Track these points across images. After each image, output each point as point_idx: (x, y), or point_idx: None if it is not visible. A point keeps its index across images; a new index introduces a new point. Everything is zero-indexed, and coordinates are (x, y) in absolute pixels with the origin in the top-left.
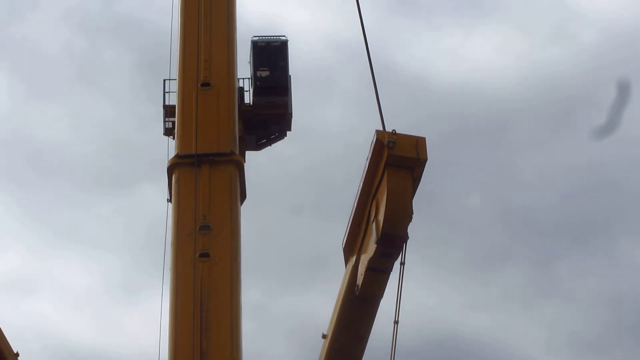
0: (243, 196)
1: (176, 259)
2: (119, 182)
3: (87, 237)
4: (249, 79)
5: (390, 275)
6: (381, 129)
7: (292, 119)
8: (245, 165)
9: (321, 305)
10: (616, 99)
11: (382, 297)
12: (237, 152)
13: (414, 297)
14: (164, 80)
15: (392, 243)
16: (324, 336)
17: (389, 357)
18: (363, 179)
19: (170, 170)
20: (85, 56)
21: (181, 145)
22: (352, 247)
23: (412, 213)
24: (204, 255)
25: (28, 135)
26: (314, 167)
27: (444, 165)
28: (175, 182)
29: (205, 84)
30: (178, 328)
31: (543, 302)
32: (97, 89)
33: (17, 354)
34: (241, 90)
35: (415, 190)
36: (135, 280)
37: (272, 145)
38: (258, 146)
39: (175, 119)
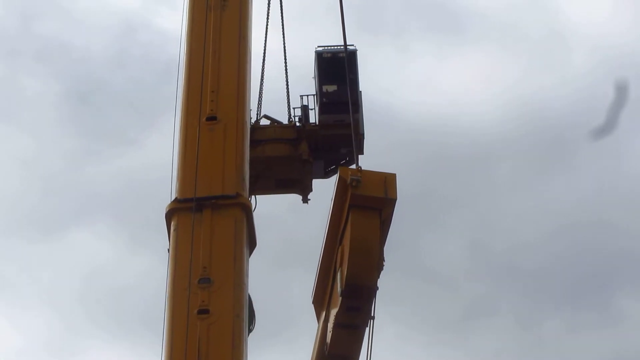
0: (252, 243)
1: (172, 316)
2: (46, 226)
3: (9, 290)
4: (313, 95)
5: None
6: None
7: (365, 141)
8: (312, 194)
9: None
10: (614, 100)
11: (356, 357)
12: (246, 194)
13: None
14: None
15: (359, 295)
16: None
17: None
18: (328, 223)
19: (169, 216)
20: (1, 84)
21: (181, 188)
22: (321, 300)
23: (383, 261)
24: (203, 311)
25: None
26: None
27: (418, 207)
28: (174, 229)
29: (211, 118)
30: None
31: None
32: (16, 123)
33: None
34: (305, 108)
35: (386, 234)
36: (65, 343)
37: None
38: (326, 173)
39: (176, 158)
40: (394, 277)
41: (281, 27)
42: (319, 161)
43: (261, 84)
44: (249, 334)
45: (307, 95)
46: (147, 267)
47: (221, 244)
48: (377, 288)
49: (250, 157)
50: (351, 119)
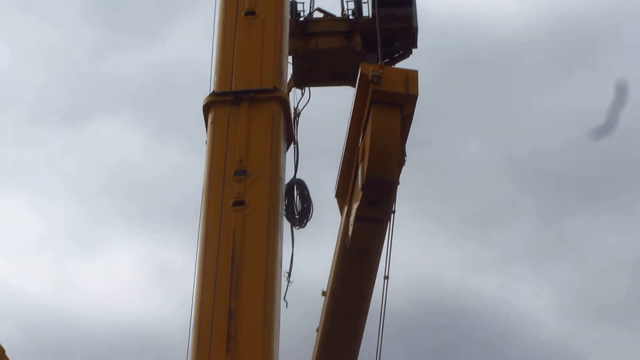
0: (290, 138)
1: (207, 207)
2: (71, 115)
3: (34, 180)
4: None
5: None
6: None
7: (419, 35)
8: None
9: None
10: (614, 100)
11: (378, 251)
12: (285, 88)
13: (409, 255)
14: None
15: (379, 189)
16: (323, 293)
17: (379, 315)
18: (350, 118)
19: (206, 109)
20: None
21: (219, 81)
22: (344, 194)
23: (405, 156)
24: (238, 203)
25: None
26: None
27: (439, 105)
28: (211, 122)
29: (250, 13)
30: (205, 284)
31: (552, 263)
32: (40, 13)
33: (3, 350)
34: (359, 2)
35: (407, 131)
36: (90, 231)
37: (396, 65)
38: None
39: (214, 52)
40: (418, 174)
41: None
42: (373, 55)
43: None
44: (305, 225)
45: None
46: (173, 160)
47: (258, 137)
48: (398, 183)
49: (303, 49)
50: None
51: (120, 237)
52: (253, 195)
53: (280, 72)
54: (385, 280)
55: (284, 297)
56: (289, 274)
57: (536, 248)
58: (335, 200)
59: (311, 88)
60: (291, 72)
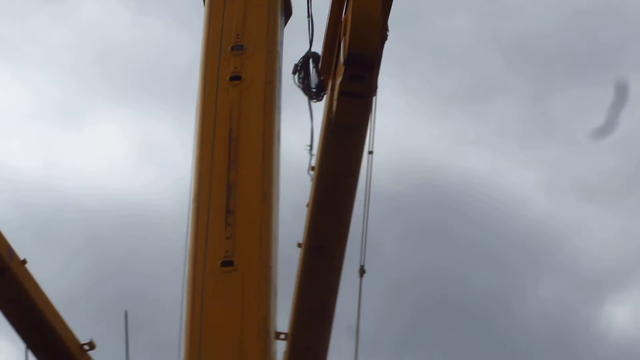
0: (288, 12)
1: (204, 82)
2: None
3: (16, 52)
4: None
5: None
6: None
7: None
8: None
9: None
10: (614, 100)
11: (364, 126)
12: None
13: (395, 132)
14: None
15: (361, 63)
16: (312, 169)
17: (363, 192)
18: None
19: None
20: None
21: None
22: (328, 70)
23: (387, 31)
24: (235, 78)
25: None
26: None
27: None
28: None
29: None
30: (203, 158)
31: (542, 141)
32: None
33: (24, 261)
34: None
35: (390, 5)
36: (76, 102)
37: None
38: None
39: None
40: (403, 51)
41: None
42: None
43: None
44: (322, 97)
45: None
46: (161, 35)
47: (255, 11)
48: (380, 57)
49: None
50: None
51: (109, 110)
52: (249, 70)
53: None
54: (370, 155)
55: (308, 171)
56: (310, 146)
57: (524, 125)
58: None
59: None
60: None
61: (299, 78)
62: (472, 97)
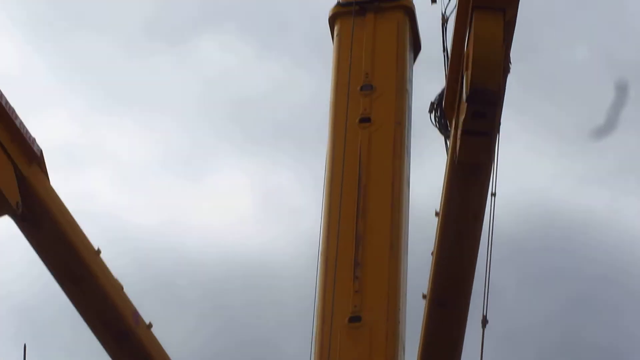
0: (417, 48)
1: (333, 124)
2: (171, 33)
3: (139, 98)
4: None
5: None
6: None
7: None
8: None
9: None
10: (614, 100)
11: (488, 165)
12: None
13: (517, 168)
14: None
15: (484, 100)
16: (436, 214)
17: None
18: (454, 26)
19: (332, 21)
20: None
21: None
22: (452, 107)
23: (510, 63)
24: (365, 120)
25: None
26: None
27: (545, 9)
28: (336, 35)
29: None
30: (331, 208)
31: None
32: None
33: (98, 251)
34: None
35: (511, 36)
36: (200, 151)
37: None
38: None
39: None
40: (523, 83)
41: None
42: None
43: None
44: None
45: None
46: (278, 75)
47: (383, 49)
48: (504, 92)
49: None
50: None
51: (230, 160)
52: (379, 111)
53: None
54: (493, 197)
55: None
56: None
57: None
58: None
59: None
60: None
61: (435, 117)
62: (592, 132)
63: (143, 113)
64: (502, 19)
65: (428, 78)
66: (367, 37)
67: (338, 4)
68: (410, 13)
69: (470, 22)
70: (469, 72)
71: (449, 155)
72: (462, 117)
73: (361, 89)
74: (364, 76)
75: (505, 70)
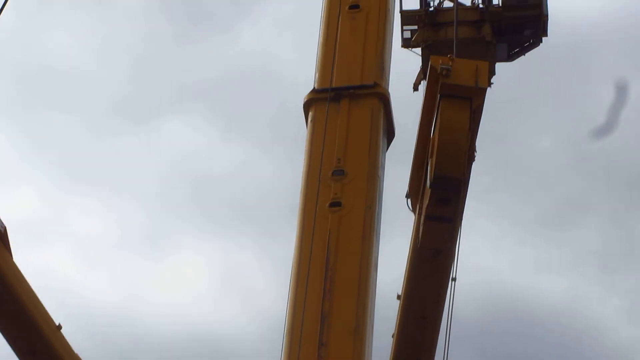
0: (391, 134)
1: (304, 208)
2: (142, 112)
3: (104, 178)
4: None
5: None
6: None
7: (549, 22)
8: (495, 78)
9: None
10: (614, 100)
11: (451, 251)
12: (385, 83)
13: (478, 255)
14: None
15: (448, 187)
16: (398, 297)
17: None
18: (421, 114)
19: (307, 107)
20: None
21: (320, 77)
22: (416, 193)
23: (475, 151)
24: (335, 204)
25: (33, 55)
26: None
27: (510, 98)
28: (310, 120)
29: (354, 6)
30: (298, 288)
31: (623, 264)
32: (108, 4)
33: (59, 326)
34: None
35: (477, 125)
36: (162, 231)
37: (526, 54)
38: (510, 57)
39: (318, 48)
40: (489, 171)
41: None
42: (502, 44)
43: None
44: None
45: None
46: (243, 157)
47: (357, 135)
48: (468, 180)
49: (432, 40)
50: None
51: (191, 240)
52: (350, 196)
53: (382, 67)
54: (453, 282)
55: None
56: None
57: (607, 248)
58: (405, 202)
59: None
60: (421, 64)
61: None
62: (554, 219)
63: (107, 191)
64: (468, 107)
65: (404, 163)
66: (340, 123)
67: (314, 90)
68: (384, 100)
69: (437, 109)
70: (434, 159)
71: (412, 239)
72: (426, 203)
73: (333, 173)
74: (336, 161)
75: (470, 158)
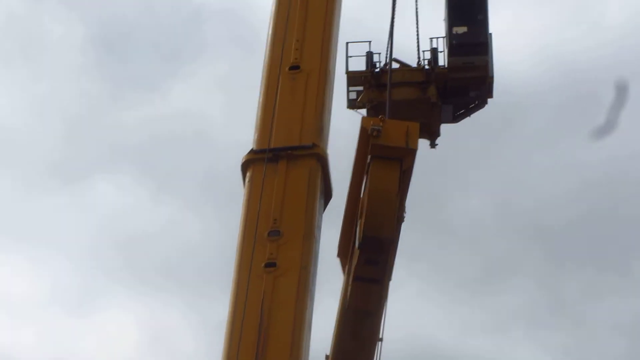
0: (328, 195)
1: (239, 267)
2: (70, 173)
3: (33, 236)
4: (443, 37)
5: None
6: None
7: (494, 84)
8: (440, 140)
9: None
10: (614, 100)
11: (379, 311)
12: (324, 144)
13: (406, 315)
14: (347, 43)
15: (376, 247)
16: (327, 357)
17: None
18: (351, 174)
19: (245, 167)
20: (26, 27)
21: (259, 138)
22: (345, 253)
23: (404, 212)
24: (270, 265)
25: None
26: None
27: (440, 160)
28: (248, 181)
29: (294, 67)
30: (231, 346)
31: (549, 325)
32: (38, 65)
33: None
34: (435, 51)
35: (407, 185)
36: (91, 290)
37: (471, 115)
38: (455, 118)
39: (257, 109)
40: (416, 233)
41: None
42: (448, 106)
43: (391, 28)
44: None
45: (437, 38)
46: (173, 216)
47: (293, 196)
48: (397, 240)
49: (378, 100)
50: None
51: (120, 299)
52: (285, 257)
53: (321, 128)
54: (380, 343)
55: None
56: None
57: (534, 307)
58: (337, 261)
59: None
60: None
61: None
62: (483, 279)
63: (36, 250)
64: (398, 168)
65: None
66: (278, 183)
67: (252, 151)
68: (322, 161)
69: (367, 170)
70: (363, 220)
71: (340, 300)
72: (354, 264)
73: (269, 234)
74: (273, 221)
75: (400, 219)
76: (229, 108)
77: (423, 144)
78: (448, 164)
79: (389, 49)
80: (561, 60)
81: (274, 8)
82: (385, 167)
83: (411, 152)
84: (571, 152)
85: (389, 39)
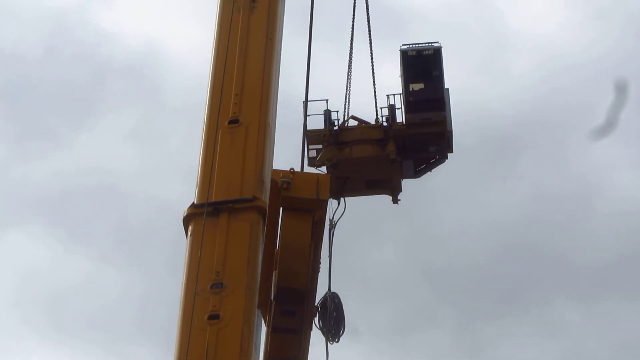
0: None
1: (182, 320)
2: None
3: None
4: (400, 94)
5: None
6: None
7: (453, 138)
8: (402, 195)
9: None
10: (614, 100)
11: None
12: (265, 196)
13: None
14: (304, 102)
15: (291, 298)
16: None
17: None
18: (266, 227)
19: (186, 221)
20: None
21: (200, 192)
22: (265, 305)
23: (319, 263)
24: (214, 317)
25: None
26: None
27: (353, 211)
28: (190, 234)
29: (233, 121)
30: None
31: None
32: None
33: None
34: (392, 108)
35: (321, 236)
36: (8, 347)
37: (432, 170)
38: (416, 173)
39: (198, 163)
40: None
41: (367, 27)
42: (409, 161)
43: (348, 85)
44: (339, 339)
45: (394, 95)
46: (86, 270)
47: (235, 248)
48: (314, 290)
49: (337, 159)
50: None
51: (40, 356)
52: (228, 309)
53: (262, 180)
54: None
55: None
56: None
57: (453, 356)
58: None
59: (346, 198)
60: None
61: (318, 320)
62: (400, 330)
63: None
64: (310, 220)
65: None
66: (219, 236)
67: (193, 205)
68: (264, 213)
69: (280, 222)
70: (277, 272)
71: (263, 352)
72: (272, 315)
73: (212, 286)
74: (215, 274)
75: (315, 269)
76: (138, 160)
77: (386, 200)
78: (360, 216)
79: (346, 105)
80: (468, 109)
81: (212, 62)
82: (297, 219)
83: (322, 203)
84: (485, 197)
85: (345, 97)
